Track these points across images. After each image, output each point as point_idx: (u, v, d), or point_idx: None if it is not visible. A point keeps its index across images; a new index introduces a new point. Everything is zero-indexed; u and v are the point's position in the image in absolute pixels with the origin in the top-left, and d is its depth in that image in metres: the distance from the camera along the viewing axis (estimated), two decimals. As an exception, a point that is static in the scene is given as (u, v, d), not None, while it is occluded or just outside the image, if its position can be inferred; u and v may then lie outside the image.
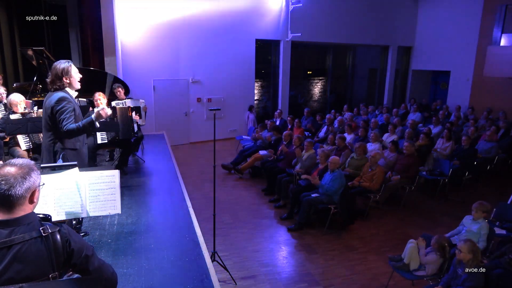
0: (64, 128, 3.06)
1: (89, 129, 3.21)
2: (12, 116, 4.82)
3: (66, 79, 3.14)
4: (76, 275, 1.79)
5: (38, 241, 1.52)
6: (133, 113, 5.69)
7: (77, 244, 1.63)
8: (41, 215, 1.63)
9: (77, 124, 3.10)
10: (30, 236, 1.50)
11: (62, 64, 3.14)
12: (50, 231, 1.55)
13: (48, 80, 3.18)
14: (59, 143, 3.19)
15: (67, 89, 3.20)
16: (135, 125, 5.74)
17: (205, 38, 10.75)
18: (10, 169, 1.51)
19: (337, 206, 5.67)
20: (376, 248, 5.31)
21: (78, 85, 3.28)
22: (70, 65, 3.18)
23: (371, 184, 6.18)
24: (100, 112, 3.13)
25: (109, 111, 3.19)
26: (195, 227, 3.74)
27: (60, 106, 3.08)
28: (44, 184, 1.71)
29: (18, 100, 4.92)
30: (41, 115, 5.19)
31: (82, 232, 3.57)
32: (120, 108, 5.47)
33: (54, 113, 3.11)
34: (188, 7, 10.32)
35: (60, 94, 3.12)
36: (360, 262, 4.96)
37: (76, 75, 3.23)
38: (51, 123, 3.17)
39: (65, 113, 3.07)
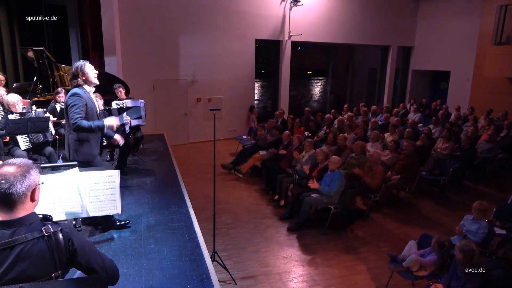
0: (73, 122, 3.27)
1: (98, 132, 3.47)
2: (11, 117, 4.81)
3: (81, 76, 3.41)
4: (77, 273, 1.80)
5: (41, 241, 1.53)
6: (123, 114, 5.65)
7: (79, 243, 1.64)
8: (41, 215, 1.64)
9: (89, 123, 3.33)
10: (32, 236, 1.51)
11: (77, 63, 3.43)
12: (52, 230, 1.56)
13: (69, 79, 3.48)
14: (73, 134, 3.42)
15: (85, 86, 3.46)
16: (127, 127, 5.72)
17: (205, 38, 10.75)
18: (9, 168, 1.52)
19: (337, 206, 5.67)
20: (376, 248, 5.31)
21: (95, 81, 3.52)
22: (84, 63, 3.44)
23: (370, 182, 6.18)
24: (114, 124, 3.45)
25: (116, 122, 3.51)
26: (195, 227, 3.73)
27: (71, 101, 3.33)
28: (43, 183, 1.72)
29: (15, 100, 4.92)
30: (41, 115, 5.21)
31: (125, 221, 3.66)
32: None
33: (66, 107, 3.36)
34: (188, 7, 10.32)
35: (74, 90, 3.39)
36: (360, 262, 4.97)
37: (91, 72, 3.47)
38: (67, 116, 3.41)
39: (75, 107, 3.30)
